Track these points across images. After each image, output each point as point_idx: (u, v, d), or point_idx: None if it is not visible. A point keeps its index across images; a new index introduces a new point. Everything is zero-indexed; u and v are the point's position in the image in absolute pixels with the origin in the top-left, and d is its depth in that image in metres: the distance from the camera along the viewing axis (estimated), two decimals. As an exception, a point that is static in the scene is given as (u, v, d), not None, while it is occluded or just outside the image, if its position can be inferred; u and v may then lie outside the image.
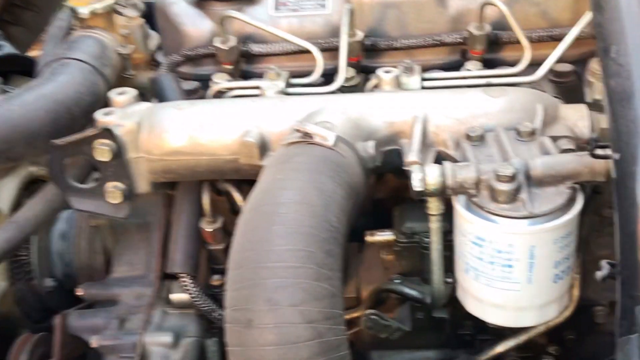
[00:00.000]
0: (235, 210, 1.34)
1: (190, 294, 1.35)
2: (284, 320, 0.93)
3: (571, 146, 1.16)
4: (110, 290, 1.55)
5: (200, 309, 1.35)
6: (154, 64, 1.55)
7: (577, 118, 1.21)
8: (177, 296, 1.45)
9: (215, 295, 1.37)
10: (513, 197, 1.04)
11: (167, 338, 1.40)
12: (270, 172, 1.07)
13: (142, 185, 1.27)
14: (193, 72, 1.50)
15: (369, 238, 1.34)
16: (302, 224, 0.97)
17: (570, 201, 1.06)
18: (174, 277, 1.48)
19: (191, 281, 1.34)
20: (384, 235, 1.33)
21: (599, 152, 0.95)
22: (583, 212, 1.09)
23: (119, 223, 1.59)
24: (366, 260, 1.39)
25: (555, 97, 1.31)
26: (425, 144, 1.19)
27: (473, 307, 1.16)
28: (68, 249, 1.68)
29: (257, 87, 1.34)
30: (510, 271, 1.07)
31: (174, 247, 1.33)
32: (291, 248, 0.96)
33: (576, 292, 1.23)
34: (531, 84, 1.30)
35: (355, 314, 1.35)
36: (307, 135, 1.10)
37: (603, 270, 0.87)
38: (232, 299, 0.97)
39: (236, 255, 0.99)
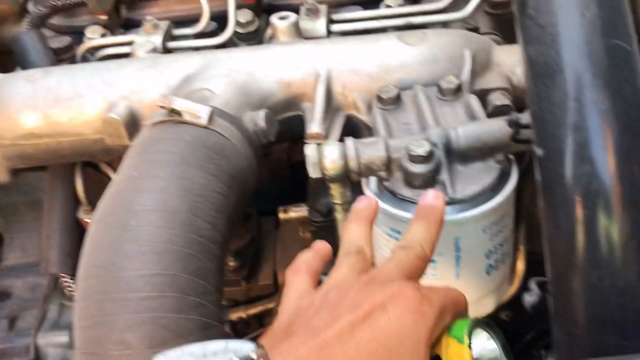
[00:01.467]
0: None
1: (72, 293, 1.15)
2: None
3: (506, 101, 0.95)
4: (0, 281, 1.35)
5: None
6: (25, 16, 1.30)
7: (515, 63, 0.98)
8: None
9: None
10: (430, 179, 0.83)
11: (64, 337, 1.21)
12: (125, 167, 0.85)
13: (1, 175, 1.06)
14: (67, 24, 1.25)
15: (282, 215, 1.15)
16: (159, 239, 0.76)
17: (502, 178, 0.85)
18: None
19: (72, 281, 1.14)
20: (299, 212, 1.13)
21: (526, 133, 0.74)
22: (524, 178, 0.90)
23: (6, 203, 1.38)
24: (283, 239, 1.19)
25: (492, 34, 1.08)
26: (332, 108, 0.97)
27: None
28: (-41, 235, 1.47)
29: (131, 43, 1.10)
30: (434, 267, 0.87)
31: (48, 243, 1.12)
32: (145, 273, 0.75)
33: (521, 266, 1.04)
34: (462, 21, 1.07)
35: (271, 305, 1.16)
36: (173, 112, 0.88)
37: (532, 294, 0.67)
38: (79, 340, 0.77)
39: (81, 284, 0.79)
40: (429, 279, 0.86)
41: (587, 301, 0.59)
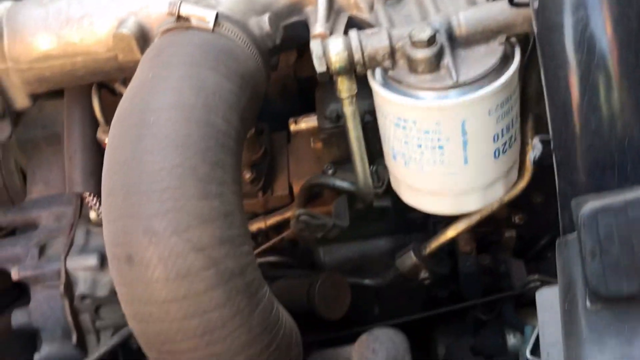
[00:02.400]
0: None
1: (99, 214, 1.19)
2: (168, 251, 0.77)
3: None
4: (27, 213, 1.39)
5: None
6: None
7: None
8: (95, 214, 1.30)
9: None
10: (434, 64, 0.85)
11: (92, 261, 1.26)
12: (139, 72, 0.88)
13: (20, 99, 1.09)
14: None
15: (293, 126, 1.18)
16: (177, 133, 0.80)
17: (505, 60, 0.87)
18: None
19: (97, 199, 1.18)
20: (309, 122, 1.16)
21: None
22: (528, 66, 0.92)
23: (25, 138, 1.42)
24: (295, 152, 1.23)
25: None
26: (334, 9, 0.99)
27: (408, 196, 1.01)
28: (-19, 172, 1.52)
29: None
30: (441, 153, 0.90)
31: (71, 164, 1.16)
32: (166, 165, 0.78)
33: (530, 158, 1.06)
34: None
35: (287, 214, 1.20)
36: (181, 18, 0.90)
37: (535, 150, 0.70)
38: (108, 233, 0.81)
39: (106, 181, 0.82)
40: (437, 167, 0.90)
41: (587, 146, 0.61)
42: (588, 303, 0.58)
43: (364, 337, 1.00)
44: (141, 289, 0.78)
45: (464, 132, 0.88)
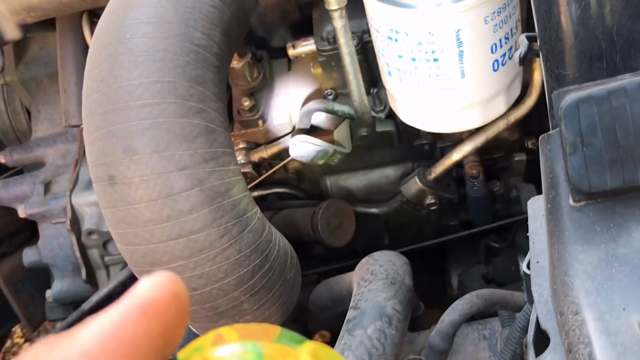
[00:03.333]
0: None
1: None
2: (149, 170, 0.75)
3: None
4: (33, 152, 1.39)
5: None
6: None
7: None
8: (98, 149, 1.29)
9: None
10: (424, -30, 0.81)
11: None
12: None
13: (9, 30, 1.07)
14: None
15: (291, 51, 1.14)
16: (155, 48, 0.77)
17: (501, -36, 0.83)
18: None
19: (95, 132, 1.16)
20: (307, 46, 1.12)
21: None
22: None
23: (28, 77, 1.40)
24: (296, 78, 1.19)
25: None
26: None
27: (406, 115, 0.97)
28: (-11, 114, 1.51)
29: None
30: (437, 66, 0.86)
31: (66, 97, 1.14)
32: (143, 81, 0.76)
33: (538, 76, 1.02)
34: None
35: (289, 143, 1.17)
36: None
37: (521, 47, 0.66)
38: (90, 154, 0.80)
39: (86, 100, 0.80)
40: (433, 81, 0.86)
41: (572, 37, 0.57)
42: (571, 200, 0.54)
43: (363, 260, 0.97)
44: (125, 210, 0.77)
45: (459, 43, 0.84)
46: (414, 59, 0.86)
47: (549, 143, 0.57)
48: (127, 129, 0.75)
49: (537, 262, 0.62)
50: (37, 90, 1.41)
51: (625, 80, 0.53)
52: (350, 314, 0.89)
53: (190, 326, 0.89)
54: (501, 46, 0.87)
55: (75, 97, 1.13)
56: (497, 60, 0.87)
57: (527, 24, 0.95)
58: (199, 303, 0.82)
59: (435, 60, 0.85)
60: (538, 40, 0.61)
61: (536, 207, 0.65)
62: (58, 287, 1.35)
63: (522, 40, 0.65)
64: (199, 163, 0.76)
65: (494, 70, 0.88)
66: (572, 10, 0.56)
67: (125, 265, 1.30)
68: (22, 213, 1.30)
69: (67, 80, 1.13)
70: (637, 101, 0.51)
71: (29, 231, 1.49)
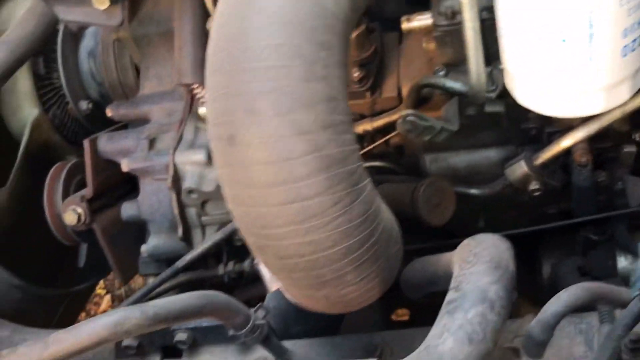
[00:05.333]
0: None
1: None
2: (270, 133, 0.76)
3: None
4: (139, 108, 1.43)
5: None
6: None
7: None
8: (204, 110, 1.31)
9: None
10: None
11: (200, 156, 1.28)
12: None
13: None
14: None
15: (405, 25, 1.13)
16: (284, 10, 0.77)
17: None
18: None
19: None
20: (423, 20, 1.11)
21: None
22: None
23: (140, 34, 1.43)
24: (406, 52, 1.18)
25: None
26: None
27: (523, 96, 0.95)
28: (98, 67, 1.56)
29: None
30: (564, 47, 0.84)
31: (181, 55, 1.16)
32: (271, 43, 0.76)
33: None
34: None
35: (395, 116, 1.16)
36: None
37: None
38: (212, 112, 0.81)
39: (211, 58, 0.81)
40: (557, 63, 0.84)
41: None
42: None
43: (466, 242, 0.96)
44: (242, 171, 0.78)
45: (590, 25, 0.81)
46: (540, 39, 0.84)
47: None
48: (251, 90, 0.76)
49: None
50: (148, 48, 1.44)
51: None
52: (450, 295, 0.88)
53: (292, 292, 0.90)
54: (632, 31, 0.84)
55: (191, 56, 1.14)
56: (627, 46, 0.85)
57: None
58: (305, 270, 0.83)
59: (564, 41, 0.83)
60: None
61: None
62: (153, 242, 1.38)
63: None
64: (318, 129, 0.76)
65: (623, 56, 0.85)
66: None
67: (220, 226, 1.33)
68: (125, 167, 1.34)
69: (183, 38, 1.14)
70: None
71: (128, 185, 1.53)
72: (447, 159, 1.24)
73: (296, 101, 0.76)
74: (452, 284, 0.90)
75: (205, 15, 1.14)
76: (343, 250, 0.81)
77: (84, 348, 0.79)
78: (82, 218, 1.36)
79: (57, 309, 1.66)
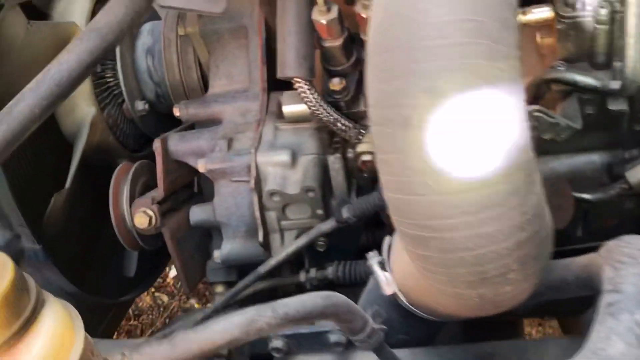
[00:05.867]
0: (351, -3, 1.09)
1: (308, 102, 1.12)
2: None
3: None
4: (210, 107, 1.35)
5: (321, 120, 1.14)
6: None
7: None
8: (290, 108, 1.24)
9: (337, 102, 1.15)
10: None
11: (283, 157, 1.21)
12: None
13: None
14: None
15: (521, 17, 1.07)
16: (467, -17, 0.71)
17: None
18: (280, 87, 1.27)
19: (308, 87, 1.11)
20: (541, 13, 1.06)
21: None
22: None
23: (210, 30, 1.36)
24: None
25: None
26: None
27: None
28: (157, 66, 1.48)
29: None
30: None
31: (284, 46, 1.08)
32: (454, 18, 0.70)
33: None
34: None
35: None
36: None
37: None
38: (380, 94, 0.74)
39: (378, 36, 0.75)
40: None
41: None
42: None
43: (612, 243, 0.90)
44: (417, 156, 0.71)
45: None
46: None
47: None
48: (433, 69, 0.70)
49: None
50: (217, 45, 1.37)
51: None
52: (610, 297, 0.82)
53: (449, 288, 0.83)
54: None
55: (294, 47, 1.07)
56: None
57: None
58: (468, 265, 0.76)
59: None
60: None
61: None
62: (228, 247, 1.30)
63: None
64: None
65: None
66: None
67: (300, 231, 1.25)
68: (202, 167, 1.26)
69: (287, 28, 1.07)
70: None
71: (191, 189, 1.45)
72: (548, 163, 1.18)
73: (480, 81, 0.69)
74: (609, 286, 0.84)
75: (311, 3, 1.08)
76: (512, 245, 0.75)
77: (215, 347, 0.76)
78: (153, 221, 1.28)
79: (104, 319, 1.57)
